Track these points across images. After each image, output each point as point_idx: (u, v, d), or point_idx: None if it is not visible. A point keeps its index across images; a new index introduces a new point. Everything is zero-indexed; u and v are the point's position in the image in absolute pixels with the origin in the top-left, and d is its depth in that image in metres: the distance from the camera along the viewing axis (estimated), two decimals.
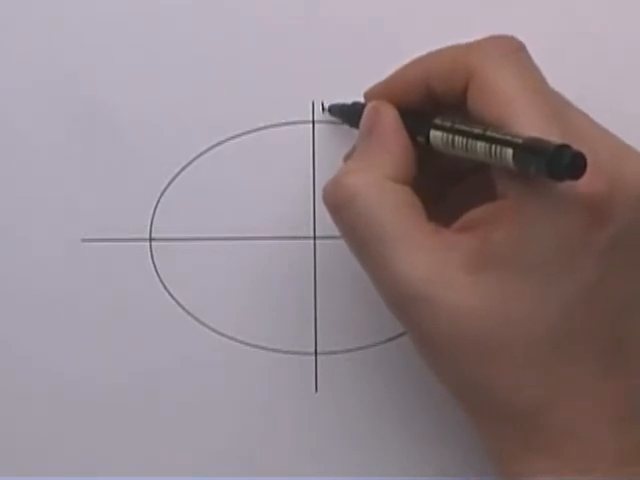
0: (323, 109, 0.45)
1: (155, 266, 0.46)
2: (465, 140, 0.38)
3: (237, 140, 0.46)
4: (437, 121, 0.39)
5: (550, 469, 0.38)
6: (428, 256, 0.38)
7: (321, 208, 0.46)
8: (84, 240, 0.46)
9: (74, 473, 0.47)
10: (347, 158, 0.43)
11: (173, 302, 0.46)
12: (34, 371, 0.47)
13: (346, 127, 0.45)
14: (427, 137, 0.40)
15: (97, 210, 0.46)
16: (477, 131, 0.37)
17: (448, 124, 0.39)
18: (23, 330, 0.46)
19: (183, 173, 0.46)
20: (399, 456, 0.46)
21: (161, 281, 0.46)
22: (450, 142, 0.39)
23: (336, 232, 0.46)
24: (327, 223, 0.46)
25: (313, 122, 0.46)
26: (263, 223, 0.46)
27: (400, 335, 0.46)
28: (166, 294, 0.46)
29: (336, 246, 0.46)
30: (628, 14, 0.45)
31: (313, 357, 0.46)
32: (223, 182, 0.46)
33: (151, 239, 0.46)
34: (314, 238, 0.46)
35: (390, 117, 0.41)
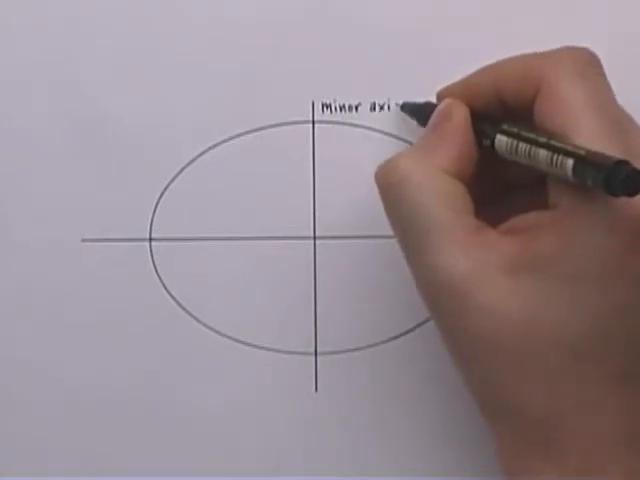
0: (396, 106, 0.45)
1: (155, 266, 0.46)
2: (529, 147, 0.38)
3: (237, 140, 0.46)
4: (504, 127, 0.40)
5: (554, 478, 0.38)
6: (468, 251, 0.38)
7: (321, 208, 0.46)
8: (84, 240, 0.46)
9: (74, 473, 0.47)
10: None
11: (173, 302, 0.46)
12: (34, 371, 0.47)
13: (346, 127, 0.45)
14: (492, 141, 0.40)
15: (97, 210, 0.46)
16: (542, 139, 0.38)
17: (515, 130, 0.39)
18: (23, 330, 0.46)
19: (183, 173, 0.46)
20: (399, 456, 0.46)
21: (161, 281, 0.46)
22: (514, 148, 0.39)
23: (336, 232, 0.46)
24: (327, 223, 0.46)
25: (313, 122, 0.46)
26: (263, 223, 0.46)
27: (400, 335, 0.46)
28: (166, 294, 0.46)
29: (336, 246, 0.46)
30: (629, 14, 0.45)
31: (313, 357, 0.46)
32: (223, 182, 0.46)
33: (151, 239, 0.46)
34: (314, 238, 0.46)
35: (460, 116, 0.41)
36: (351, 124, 0.46)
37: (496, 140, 0.40)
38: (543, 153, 0.38)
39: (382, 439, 0.46)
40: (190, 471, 0.47)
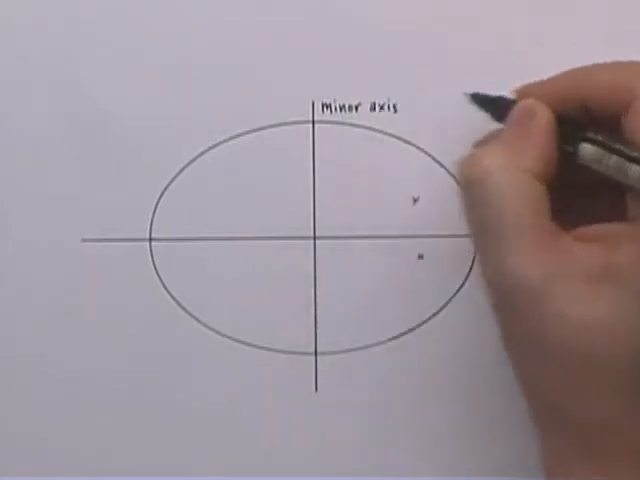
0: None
1: (155, 266, 0.46)
2: (619, 160, 0.38)
3: (237, 140, 0.46)
4: (589, 134, 0.40)
5: None
6: (548, 255, 0.38)
7: (321, 208, 0.46)
8: (84, 240, 0.46)
9: (74, 473, 0.47)
10: (479, 144, 0.43)
11: (173, 302, 0.46)
12: (34, 371, 0.47)
13: (346, 127, 0.45)
14: (575, 147, 0.40)
15: (97, 210, 0.46)
16: (634, 154, 0.38)
17: (599, 139, 0.39)
18: (23, 330, 0.46)
19: (183, 173, 0.46)
20: (399, 456, 0.46)
21: (161, 281, 0.46)
22: (601, 158, 0.39)
23: (336, 232, 0.46)
24: (327, 223, 0.46)
25: (313, 122, 0.46)
26: (263, 223, 0.46)
27: (400, 335, 0.46)
28: (166, 294, 0.46)
29: (336, 246, 0.46)
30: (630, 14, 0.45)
31: (313, 357, 0.46)
32: (223, 182, 0.46)
33: (151, 239, 0.46)
34: (314, 238, 0.46)
35: (545, 118, 0.40)
36: (351, 124, 0.46)
37: (580, 147, 0.40)
38: (635, 168, 0.38)
39: (382, 439, 0.46)
40: (190, 471, 0.47)
